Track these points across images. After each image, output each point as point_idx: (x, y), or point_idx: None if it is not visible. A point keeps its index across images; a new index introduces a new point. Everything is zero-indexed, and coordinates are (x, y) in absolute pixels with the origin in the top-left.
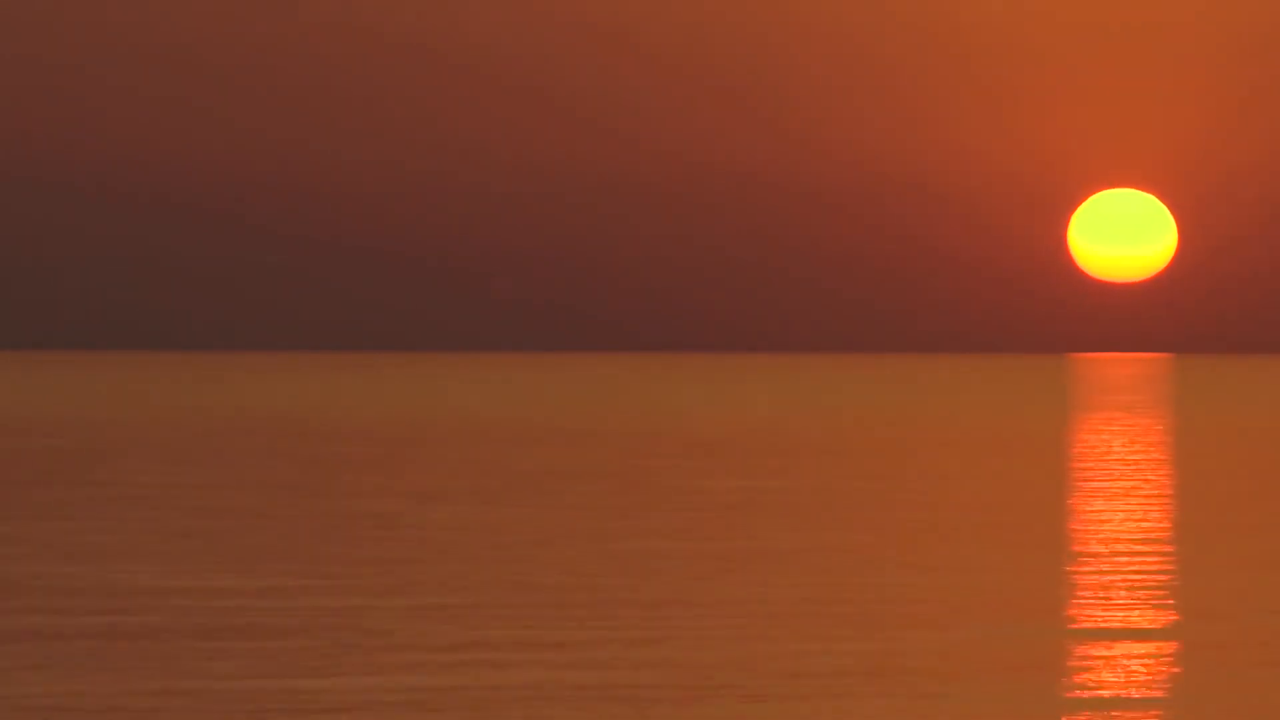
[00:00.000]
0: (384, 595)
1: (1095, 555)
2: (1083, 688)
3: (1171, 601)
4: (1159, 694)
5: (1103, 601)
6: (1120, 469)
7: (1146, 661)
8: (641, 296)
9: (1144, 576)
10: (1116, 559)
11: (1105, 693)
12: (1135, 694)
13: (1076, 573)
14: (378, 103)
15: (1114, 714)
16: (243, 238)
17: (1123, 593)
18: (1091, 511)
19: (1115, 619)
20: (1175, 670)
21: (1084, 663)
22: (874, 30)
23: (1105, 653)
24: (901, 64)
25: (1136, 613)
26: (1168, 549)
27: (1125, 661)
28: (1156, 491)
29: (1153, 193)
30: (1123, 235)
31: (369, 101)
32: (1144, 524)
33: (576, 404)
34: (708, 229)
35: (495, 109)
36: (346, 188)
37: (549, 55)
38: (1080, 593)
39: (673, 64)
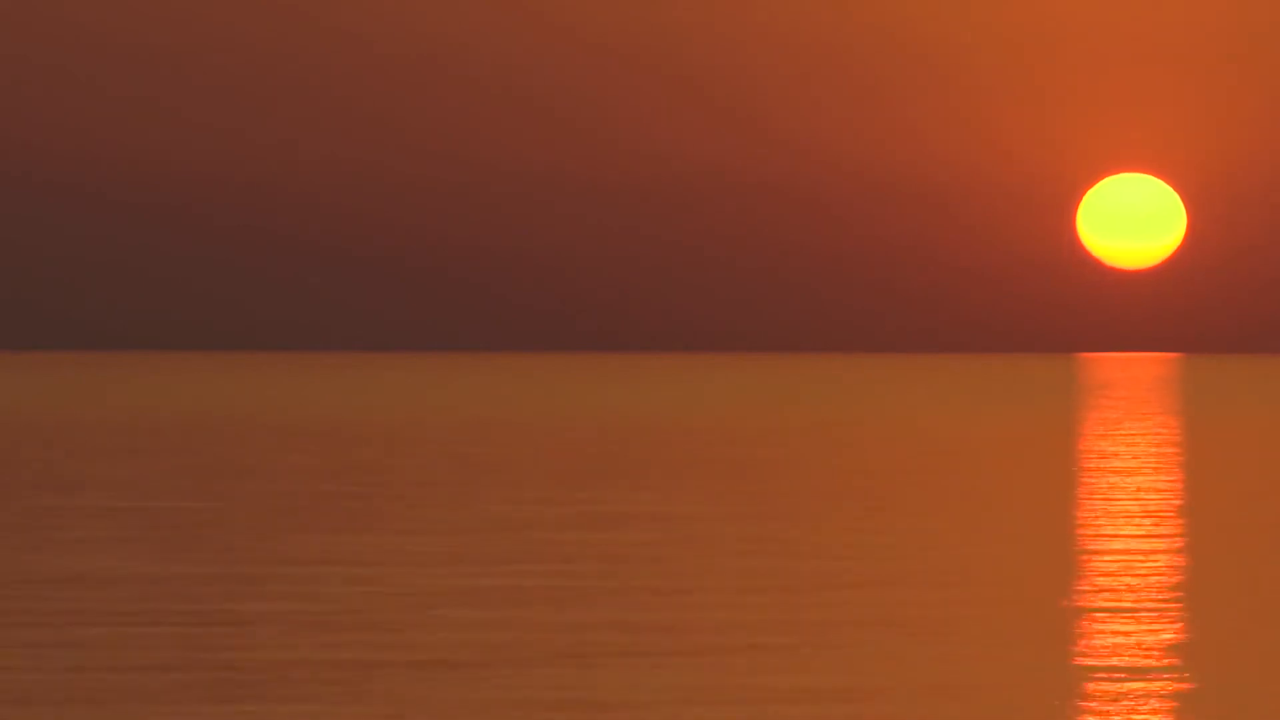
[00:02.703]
0: None
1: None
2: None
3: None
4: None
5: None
6: (1132, 486)
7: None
8: (655, 299)
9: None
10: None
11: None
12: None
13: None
14: (360, 107)
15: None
16: (230, 241)
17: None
18: (1101, 525)
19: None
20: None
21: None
22: (864, 30)
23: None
24: (897, 63)
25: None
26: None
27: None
28: (1168, 507)
29: (1159, 177)
30: (1132, 222)
31: (352, 105)
32: (1154, 558)
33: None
34: (718, 233)
35: (477, 112)
36: (328, 190)
37: (529, 58)
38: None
39: (677, 72)
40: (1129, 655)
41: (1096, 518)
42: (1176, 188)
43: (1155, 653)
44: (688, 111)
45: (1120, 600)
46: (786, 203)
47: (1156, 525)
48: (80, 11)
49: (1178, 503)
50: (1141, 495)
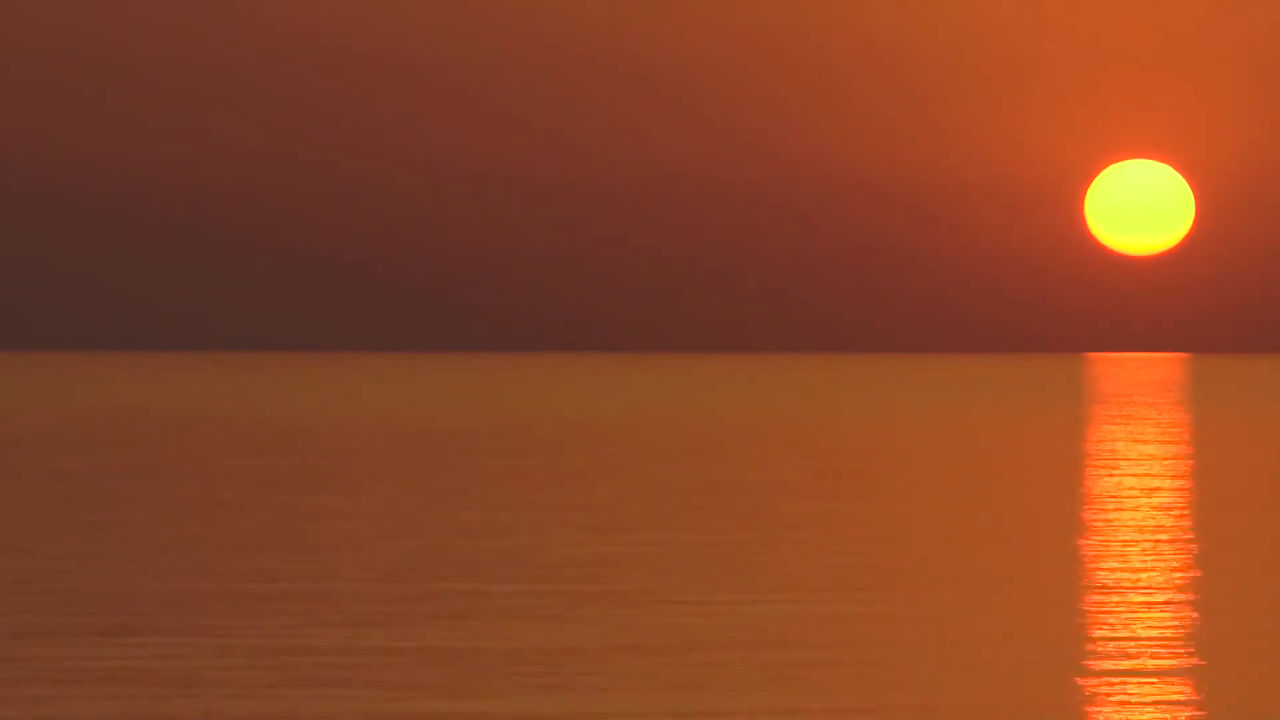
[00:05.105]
0: None
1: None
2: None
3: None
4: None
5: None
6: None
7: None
8: (664, 299)
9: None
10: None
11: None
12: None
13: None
14: (343, 111)
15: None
16: (209, 243)
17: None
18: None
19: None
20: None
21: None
22: (861, 30)
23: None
24: (892, 62)
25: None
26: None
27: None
28: (1173, 509)
29: (1167, 163)
30: (1140, 208)
31: (336, 110)
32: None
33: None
34: (724, 234)
35: (456, 116)
36: (308, 193)
37: (507, 63)
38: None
39: (679, 79)
40: (1134, 655)
41: (1101, 520)
42: (1184, 173)
43: (1161, 652)
44: (694, 118)
45: (1127, 600)
46: (792, 207)
47: (1160, 530)
48: (65, 19)
49: (1183, 505)
50: (1146, 498)
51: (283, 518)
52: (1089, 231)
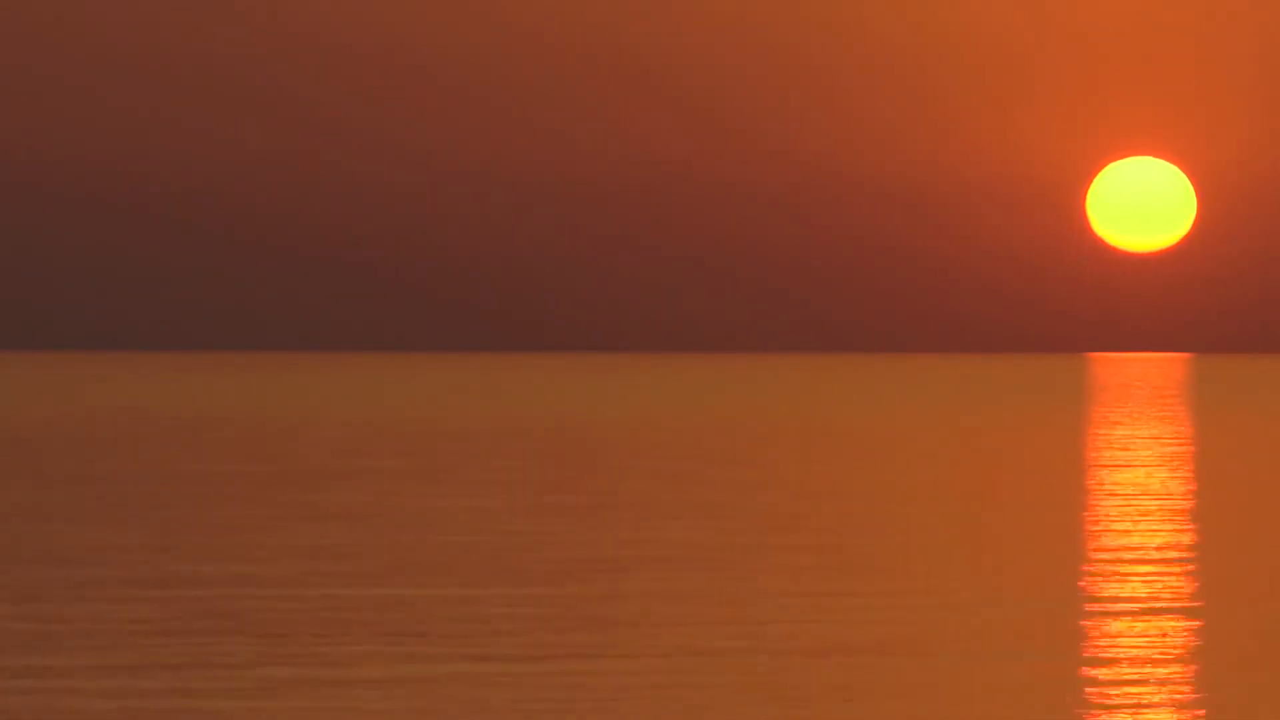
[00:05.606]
0: None
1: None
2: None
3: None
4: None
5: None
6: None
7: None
8: (666, 299)
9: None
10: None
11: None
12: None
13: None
14: (338, 112)
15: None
16: (204, 243)
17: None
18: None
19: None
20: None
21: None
22: (862, 32)
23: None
24: (890, 62)
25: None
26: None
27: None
28: (1176, 509)
29: (1168, 159)
30: (1141, 205)
31: (332, 111)
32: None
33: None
34: (724, 234)
35: (462, 115)
36: (308, 193)
37: (504, 62)
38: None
39: (673, 77)
40: (1137, 656)
41: (1103, 519)
42: (1186, 170)
43: (1164, 654)
44: (694, 118)
45: (1130, 602)
46: (792, 207)
47: (1165, 524)
48: (65, 19)
49: (1184, 505)
50: (1148, 497)
51: (285, 518)
52: (1090, 230)
